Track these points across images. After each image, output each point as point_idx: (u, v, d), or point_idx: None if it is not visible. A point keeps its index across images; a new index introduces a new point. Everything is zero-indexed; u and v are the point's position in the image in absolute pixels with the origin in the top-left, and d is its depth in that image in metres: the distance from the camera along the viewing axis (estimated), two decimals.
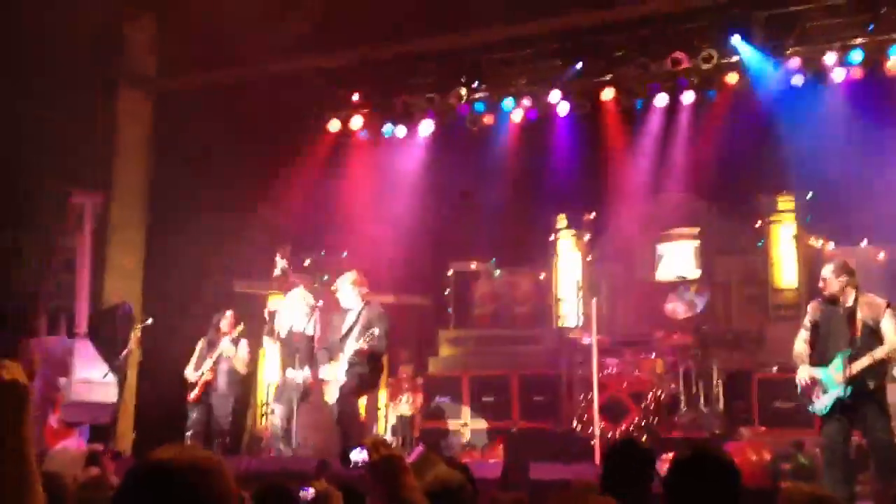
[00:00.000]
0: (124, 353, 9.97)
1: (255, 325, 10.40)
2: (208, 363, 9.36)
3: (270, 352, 9.48)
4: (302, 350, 9.12)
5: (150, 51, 13.02)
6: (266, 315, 9.71)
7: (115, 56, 12.71)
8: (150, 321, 9.83)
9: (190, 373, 9.52)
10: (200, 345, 9.65)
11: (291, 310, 9.32)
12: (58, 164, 11.94)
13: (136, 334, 10.09)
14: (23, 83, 11.04)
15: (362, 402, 9.37)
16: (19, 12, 10.90)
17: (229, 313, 9.61)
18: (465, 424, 10.74)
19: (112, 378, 9.93)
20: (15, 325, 10.93)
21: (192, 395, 9.36)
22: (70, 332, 10.79)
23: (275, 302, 12.62)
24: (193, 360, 9.61)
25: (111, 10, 12.45)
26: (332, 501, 3.68)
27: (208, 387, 9.35)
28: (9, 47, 10.75)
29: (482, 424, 10.68)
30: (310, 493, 3.07)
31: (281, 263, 9.26)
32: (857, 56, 10.10)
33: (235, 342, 9.53)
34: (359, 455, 2.92)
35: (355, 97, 12.76)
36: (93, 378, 9.96)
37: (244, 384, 9.50)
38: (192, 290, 9.92)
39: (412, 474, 2.88)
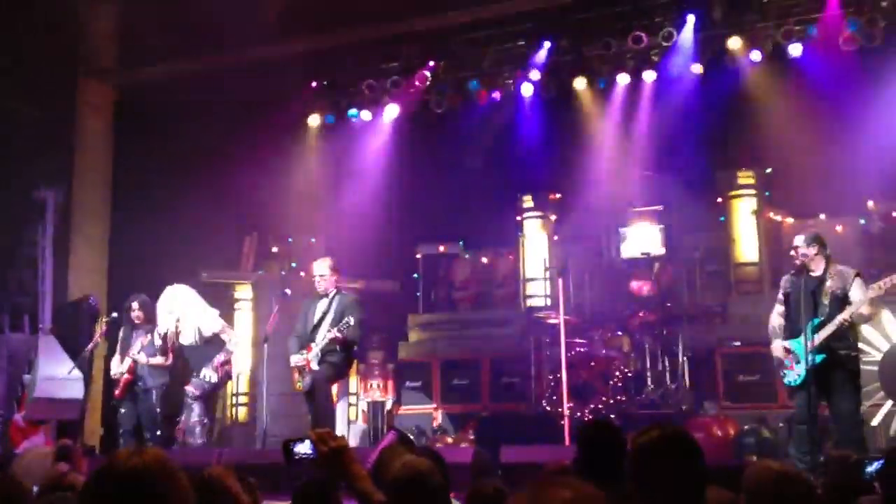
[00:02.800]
0: (89, 347, 9.87)
1: (222, 314, 10.36)
2: (127, 362, 9.15)
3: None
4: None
5: (111, 41, 12.88)
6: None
7: (75, 47, 12.56)
8: (115, 315, 9.73)
9: (114, 367, 9.29)
10: (121, 335, 9.43)
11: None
12: (19, 158, 11.83)
13: (101, 328, 9.99)
14: None
15: (333, 389, 9.36)
16: None
17: (136, 304, 9.31)
18: (436, 409, 10.79)
19: (78, 374, 9.85)
20: None
21: (116, 391, 9.19)
22: (33, 328, 10.72)
23: (242, 291, 12.66)
24: (117, 351, 9.41)
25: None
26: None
27: (131, 384, 9.14)
28: None
29: (453, 409, 10.73)
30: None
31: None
32: (813, 32, 10.18)
33: (146, 335, 9.23)
34: (302, 448, 2.89)
35: (321, 82, 12.72)
36: (58, 374, 9.86)
37: (173, 371, 9.33)
38: (159, 282, 9.84)
39: (360, 464, 2.89)
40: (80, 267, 11.90)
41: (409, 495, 3.28)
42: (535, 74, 11.74)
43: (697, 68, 10.92)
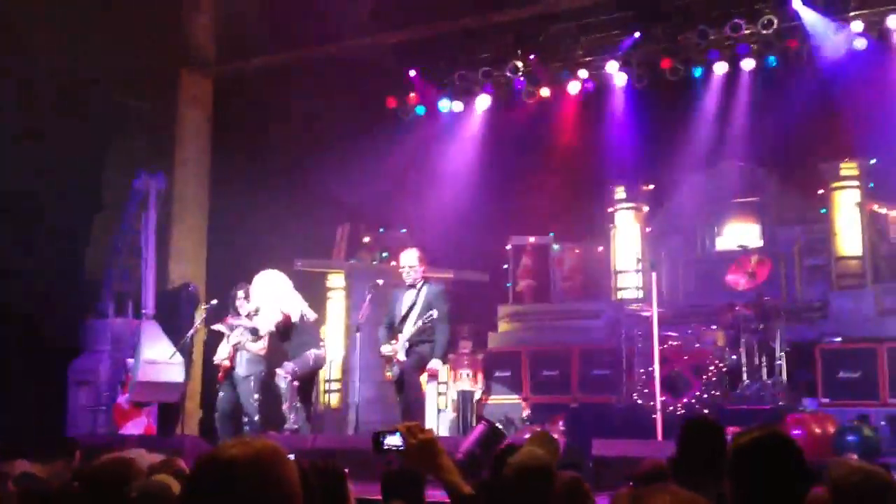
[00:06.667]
0: (190, 333, 10.12)
1: (316, 302, 10.49)
2: (227, 349, 9.25)
3: None
4: None
5: (211, 34, 13.15)
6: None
7: (176, 40, 12.86)
8: (214, 302, 9.95)
9: (219, 353, 9.40)
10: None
11: None
12: (122, 149, 12.21)
13: (201, 314, 10.22)
14: (91, 69, 11.25)
15: (423, 378, 9.42)
16: None
17: (240, 292, 9.29)
18: (525, 399, 10.76)
19: (179, 358, 10.12)
20: (83, 307, 11.26)
21: (219, 375, 9.32)
22: (137, 314, 11.05)
23: (334, 280, 12.82)
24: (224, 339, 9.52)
25: None
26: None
27: (231, 370, 9.28)
28: (75, 34, 10.97)
29: (542, 399, 10.69)
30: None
31: None
32: None
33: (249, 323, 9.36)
34: (392, 440, 2.91)
35: (412, 73, 12.79)
36: (159, 359, 10.16)
37: (270, 360, 9.35)
38: (255, 271, 10.03)
39: (447, 456, 2.90)
40: (179, 255, 12.20)
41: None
42: (628, 64, 11.58)
43: (800, 56, 10.63)
